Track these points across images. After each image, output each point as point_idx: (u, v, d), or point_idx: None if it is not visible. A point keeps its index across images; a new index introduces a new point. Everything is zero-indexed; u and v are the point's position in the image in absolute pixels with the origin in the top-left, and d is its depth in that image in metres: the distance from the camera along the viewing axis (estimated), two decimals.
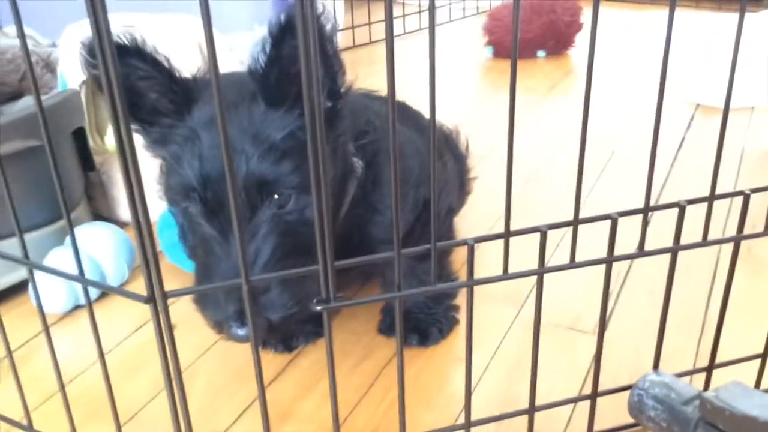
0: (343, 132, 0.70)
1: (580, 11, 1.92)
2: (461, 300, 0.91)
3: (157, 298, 0.51)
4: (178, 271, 1.00)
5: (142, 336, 0.90)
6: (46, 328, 0.63)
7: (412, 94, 0.90)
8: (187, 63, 1.12)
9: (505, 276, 0.58)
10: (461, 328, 0.88)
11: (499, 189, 1.23)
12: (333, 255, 0.52)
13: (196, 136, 0.62)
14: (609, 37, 2.10)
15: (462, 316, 0.89)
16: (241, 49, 1.51)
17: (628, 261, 0.99)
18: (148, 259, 0.50)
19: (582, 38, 1.96)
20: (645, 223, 0.59)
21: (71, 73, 1.12)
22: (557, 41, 1.90)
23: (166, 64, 0.63)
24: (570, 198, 1.17)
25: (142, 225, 0.49)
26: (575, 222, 0.57)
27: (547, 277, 0.97)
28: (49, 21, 1.70)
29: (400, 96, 0.84)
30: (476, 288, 0.93)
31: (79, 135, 1.05)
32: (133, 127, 0.66)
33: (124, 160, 0.46)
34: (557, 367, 0.81)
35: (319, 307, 0.54)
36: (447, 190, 0.86)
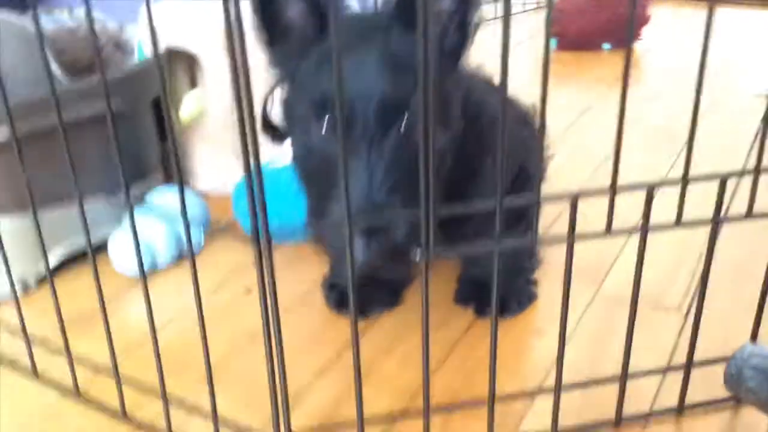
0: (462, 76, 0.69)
1: (648, 4, 1.88)
2: (539, 275, 0.89)
3: (261, 240, 0.51)
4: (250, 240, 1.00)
5: (220, 299, 0.90)
6: (144, 276, 0.64)
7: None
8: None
9: (608, 232, 0.56)
10: (539, 304, 0.87)
11: (566, 174, 1.21)
12: (436, 201, 0.51)
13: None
14: (677, 36, 2.06)
15: (540, 292, 0.88)
16: None
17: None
18: (256, 200, 0.50)
19: (648, 32, 1.92)
20: (756, 183, 0.57)
21: (149, 44, 1.13)
22: (623, 33, 1.86)
23: None
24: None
25: (252, 164, 0.49)
26: (684, 180, 0.56)
27: (626, 253, 0.95)
28: (119, 5, 1.74)
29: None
30: (551, 264, 0.92)
31: (158, 104, 1.06)
32: (265, 39, 0.65)
33: (238, 97, 0.46)
34: (640, 345, 0.79)
35: (418, 255, 0.54)
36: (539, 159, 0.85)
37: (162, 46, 1.14)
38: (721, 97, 1.55)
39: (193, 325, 0.87)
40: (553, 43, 1.92)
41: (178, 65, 1.21)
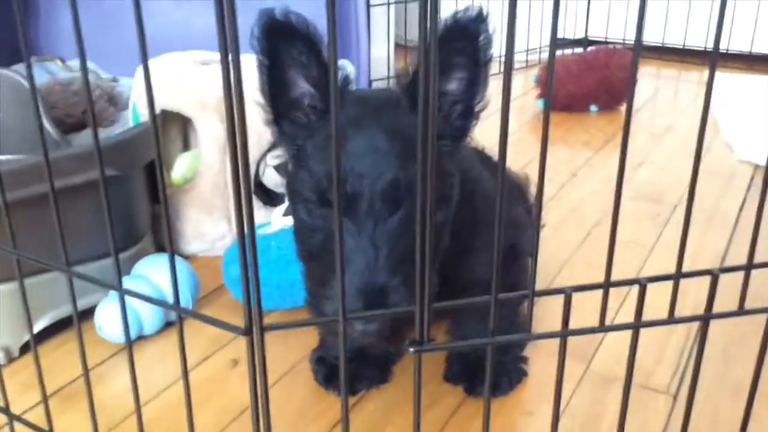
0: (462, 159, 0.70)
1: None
2: (528, 351, 0.89)
3: (254, 331, 0.51)
4: (240, 306, 1.00)
5: (206, 370, 0.89)
6: (130, 348, 0.63)
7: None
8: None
9: (602, 328, 0.56)
10: (529, 381, 0.86)
11: (557, 239, 1.22)
12: (431, 295, 0.51)
13: (342, 133, 0.62)
14: (663, 98, 2.11)
15: (530, 368, 0.87)
16: None
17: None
18: (251, 289, 0.49)
19: (635, 94, 1.96)
20: (746, 281, 0.58)
21: (144, 106, 1.14)
22: (610, 97, 1.89)
23: (324, 57, 0.62)
24: (630, 251, 1.16)
25: (247, 252, 0.49)
26: (677, 276, 0.56)
27: (617, 333, 0.95)
28: (113, 57, 1.75)
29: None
30: (542, 341, 0.92)
31: (149, 168, 1.06)
32: (270, 118, 0.66)
33: (235, 170, 0.45)
34: (629, 428, 0.79)
35: (412, 349, 0.53)
36: (528, 235, 0.86)
37: (156, 108, 1.14)
38: (708, 161, 1.57)
39: (180, 398, 0.85)
40: (540, 104, 1.95)
41: (171, 126, 1.22)
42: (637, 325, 0.57)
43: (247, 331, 0.51)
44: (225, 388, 0.86)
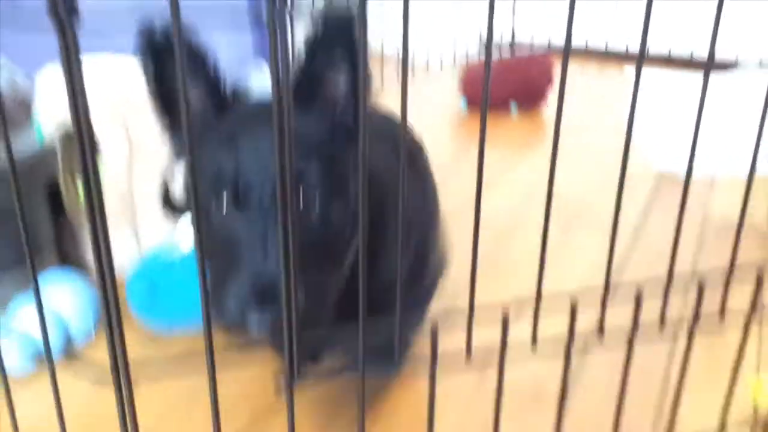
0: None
1: (554, 69, 1.97)
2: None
3: (120, 374, 0.52)
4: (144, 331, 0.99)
5: (101, 400, 0.88)
6: (8, 393, 0.63)
7: None
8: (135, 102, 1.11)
9: (468, 360, 0.59)
10: (410, 398, 0.88)
11: (466, 250, 1.24)
12: (299, 330, 0.53)
13: (232, 136, 0.65)
14: (582, 95, 2.15)
15: (413, 387, 0.90)
16: None
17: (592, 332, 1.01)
18: (114, 333, 0.50)
19: (555, 96, 2.00)
20: (604, 304, 0.61)
21: (46, 119, 1.12)
22: (530, 98, 1.94)
23: (211, 67, 0.66)
24: (535, 260, 1.19)
25: (109, 296, 0.49)
26: (536, 307, 0.59)
27: (515, 336, 0.99)
28: (29, 56, 1.70)
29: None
30: (446, 356, 0.94)
31: (52, 185, 1.04)
32: (167, 127, 0.69)
33: (93, 225, 0.46)
34: None
35: (282, 383, 0.55)
36: (435, 231, 0.93)
37: (60, 122, 1.12)
38: (615, 167, 1.61)
39: (81, 427, 0.84)
40: (463, 104, 1.98)
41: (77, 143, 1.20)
42: (502, 357, 0.60)
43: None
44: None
